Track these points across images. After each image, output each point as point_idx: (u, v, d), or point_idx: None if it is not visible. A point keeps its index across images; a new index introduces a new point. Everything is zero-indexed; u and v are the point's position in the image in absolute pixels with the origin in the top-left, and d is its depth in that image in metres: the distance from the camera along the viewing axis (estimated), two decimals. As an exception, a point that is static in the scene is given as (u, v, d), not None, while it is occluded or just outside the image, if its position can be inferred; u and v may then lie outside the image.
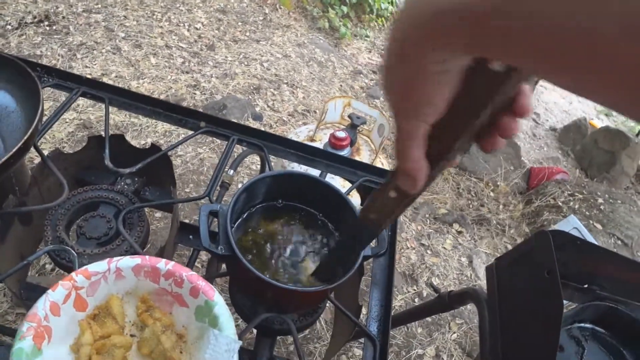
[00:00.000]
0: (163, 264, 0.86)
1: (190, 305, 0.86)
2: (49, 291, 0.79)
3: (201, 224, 0.93)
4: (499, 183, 3.75)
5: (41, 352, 0.74)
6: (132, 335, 0.86)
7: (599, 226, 3.37)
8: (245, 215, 1.07)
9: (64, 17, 3.57)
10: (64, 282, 0.81)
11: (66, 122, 2.78)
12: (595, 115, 6.54)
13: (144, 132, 2.91)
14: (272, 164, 1.34)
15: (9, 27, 3.27)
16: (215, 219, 0.98)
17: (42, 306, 0.77)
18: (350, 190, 1.32)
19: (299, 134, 2.06)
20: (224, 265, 1.36)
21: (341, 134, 1.78)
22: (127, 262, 0.85)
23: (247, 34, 4.44)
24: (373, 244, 1.06)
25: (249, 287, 1.01)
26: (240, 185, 1.12)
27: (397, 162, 0.48)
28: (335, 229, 1.10)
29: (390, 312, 1.08)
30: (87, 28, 3.59)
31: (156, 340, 0.83)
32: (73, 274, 0.83)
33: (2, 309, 1.94)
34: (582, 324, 1.47)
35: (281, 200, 1.10)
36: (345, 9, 5.25)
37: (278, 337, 1.16)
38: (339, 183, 1.78)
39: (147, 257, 0.87)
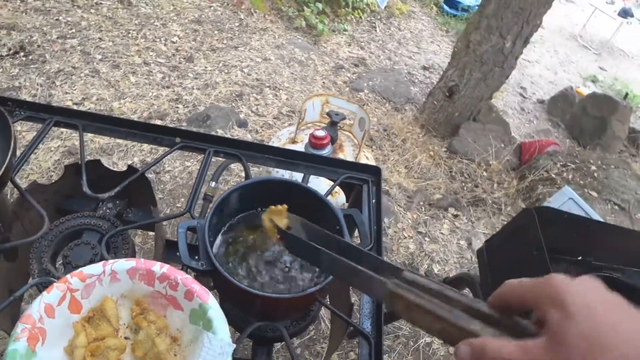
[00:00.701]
0: (158, 267, 0.86)
1: (185, 308, 0.86)
2: (44, 293, 0.80)
3: (180, 241, 0.93)
4: (490, 162, 3.76)
5: (35, 353, 0.75)
6: (126, 338, 0.86)
7: (594, 194, 3.37)
8: (226, 227, 1.07)
9: (39, 46, 3.56)
10: (59, 284, 0.81)
11: (51, 151, 2.78)
12: (582, 82, 6.55)
13: (129, 152, 2.91)
14: (259, 169, 1.33)
15: (-16, 62, 3.27)
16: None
17: (36, 308, 0.77)
18: (331, 189, 1.32)
19: (280, 137, 2.06)
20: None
21: (320, 133, 1.77)
22: (122, 265, 0.86)
23: (225, 41, 4.44)
24: (356, 240, 1.06)
25: (236, 299, 1.01)
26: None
27: (491, 355, 0.47)
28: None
29: (382, 308, 1.08)
30: (64, 54, 3.58)
31: (150, 342, 0.83)
32: (68, 276, 0.83)
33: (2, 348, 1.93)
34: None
35: (260, 208, 1.09)
36: (320, 5, 5.25)
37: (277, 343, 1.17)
38: (325, 182, 1.78)
39: (142, 260, 0.87)
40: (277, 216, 0.83)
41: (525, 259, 1.21)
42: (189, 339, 0.84)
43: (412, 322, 0.56)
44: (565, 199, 3.03)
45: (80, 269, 0.84)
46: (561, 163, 3.66)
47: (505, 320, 0.49)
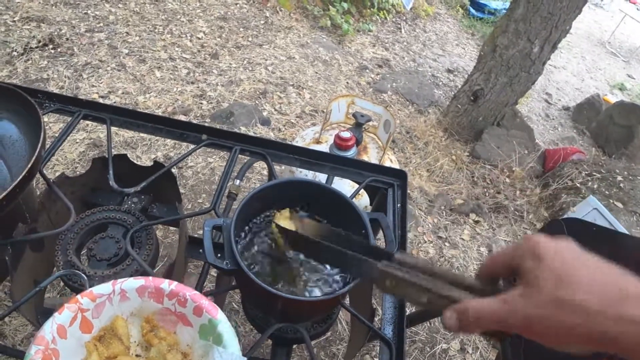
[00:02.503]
0: (167, 284, 0.86)
1: (194, 324, 0.86)
2: (56, 314, 0.80)
3: (205, 240, 0.93)
4: (514, 168, 3.70)
5: None
6: (137, 356, 0.86)
7: (619, 205, 3.30)
8: (250, 226, 1.07)
9: (67, 39, 3.61)
10: (70, 304, 0.82)
11: (77, 143, 2.81)
12: (609, 90, 6.42)
13: (153, 146, 2.93)
14: (280, 167, 1.33)
15: (14, 53, 3.32)
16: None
17: (49, 329, 0.78)
18: (356, 192, 1.31)
19: (304, 136, 2.05)
20: (236, 277, 1.36)
21: (346, 134, 1.76)
22: (131, 283, 0.86)
23: (250, 39, 4.45)
24: (379, 242, 1.05)
25: (259, 300, 1.00)
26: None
27: (465, 321, 0.53)
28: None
29: (404, 313, 1.07)
30: (91, 47, 3.63)
31: (162, 359, 0.83)
32: (78, 296, 0.84)
33: (27, 331, 1.97)
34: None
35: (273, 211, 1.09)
36: (345, 5, 5.23)
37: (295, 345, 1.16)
38: (349, 184, 1.77)
39: (150, 278, 0.87)
40: (283, 220, 0.87)
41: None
42: (199, 355, 0.84)
43: (401, 297, 0.64)
44: (590, 209, 2.97)
45: (90, 289, 0.84)
46: (586, 172, 3.59)
47: (489, 288, 0.54)
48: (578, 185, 3.46)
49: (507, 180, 3.63)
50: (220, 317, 0.83)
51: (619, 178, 3.52)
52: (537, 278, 0.48)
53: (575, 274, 0.47)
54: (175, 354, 0.84)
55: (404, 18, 6.09)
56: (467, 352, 2.37)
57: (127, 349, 0.85)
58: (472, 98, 3.98)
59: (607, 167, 3.66)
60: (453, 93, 4.44)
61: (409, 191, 3.20)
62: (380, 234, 1.14)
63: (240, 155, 1.36)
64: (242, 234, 1.04)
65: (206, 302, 0.85)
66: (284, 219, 0.85)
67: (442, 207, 3.21)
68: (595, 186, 3.45)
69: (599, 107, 5.18)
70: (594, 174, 3.55)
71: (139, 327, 0.88)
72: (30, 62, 3.32)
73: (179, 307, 0.86)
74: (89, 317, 0.83)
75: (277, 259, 1.00)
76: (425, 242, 2.88)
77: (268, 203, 1.08)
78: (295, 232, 0.80)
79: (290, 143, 1.40)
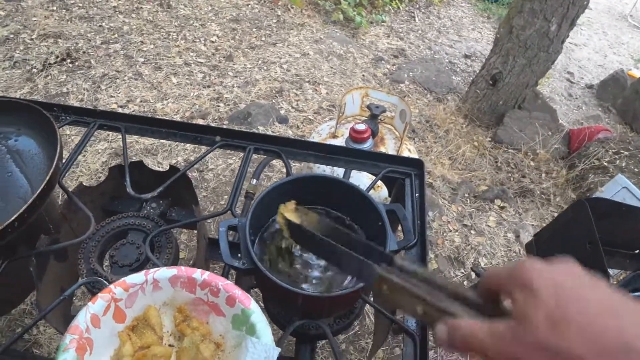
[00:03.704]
0: (199, 274, 0.86)
1: (227, 314, 0.86)
2: (89, 304, 0.81)
3: (221, 240, 0.93)
4: (538, 151, 3.63)
5: None
6: (170, 345, 0.87)
7: (650, 182, 3.20)
8: (267, 224, 1.06)
9: (84, 52, 3.67)
10: (103, 294, 0.83)
11: (99, 153, 2.86)
12: (634, 64, 6.23)
13: (173, 151, 2.96)
14: (300, 164, 1.32)
15: (34, 70, 3.39)
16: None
17: (83, 319, 0.79)
18: (373, 184, 1.30)
19: (320, 132, 2.04)
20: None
21: (361, 127, 1.75)
22: (164, 273, 0.87)
23: (263, 38, 4.45)
24: (399, 237, 1.03)
25: (278, 297, 1.00)
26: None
27: (453, 340, 0.49)
28: (361, 229, 1.07)
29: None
30: (108, 59, 3.68)
31: (195, 349, 0.84)
32: (112, 285, 0.84)
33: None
34: (638, 293, 1.38)
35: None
36: (357, -3, 5.19)
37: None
38: (366, 176, 1.76)
39: (182, 267, 0.88)
40: (289, 212, 0.85)
41: (578, 253, 1.15)
42: (232, 345, 0.84)
43: (397, 306, 0.58)
44: (619, 188, 2.89)
45: (123, 279, 0.85)
46: (613, 150, 3.49)
47: (490, 307, 0.50)
48: (605, 164, 3.37)
49: (532, 163, 3.56)
50: (253, 307, 0.83)
51: (649, 154, 3.41)
52: (528, 317, 0.43)
53: (573, 318, 0.41)
54: (208, 344, 0.85)
55: (417, 6, 6.02)
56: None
57: (160, 338, 0.86)
58: (490, 82, 3.91)
59: (635, 144, 3.55)
60: (471, 78, 4.37)
61: (431, 180, 3.18)
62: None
63: (257, 155, 1.36)
64: (260, 233, 1.04)
65: (239, 292, 0.85)
66: (289, 211, 0.83)
67: (466, 195, 3.16)
68: (624, 164, 3.36)
69: (624, 82, 5.04)
70: (622, 151, 3.45)
71: (172, 317, 0.89)
72: (49, 77, 3.38)
73: (212, 297, 0.86)
74: (122, 306, 0.84)
75: (289, 253, 1.00)
76: (450, 230, 2.85)
77: (284, 200, 1.07)
78: (296, 225, 0.78)
79: (304, 139, 1.39)
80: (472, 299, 0.52)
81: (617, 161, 3.37)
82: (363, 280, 0.64)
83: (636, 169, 3.29)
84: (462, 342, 0.48)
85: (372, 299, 1.27)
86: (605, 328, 0.40)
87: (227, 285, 0.85)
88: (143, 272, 0.86)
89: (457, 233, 2.85)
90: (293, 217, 0.81)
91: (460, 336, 0.48)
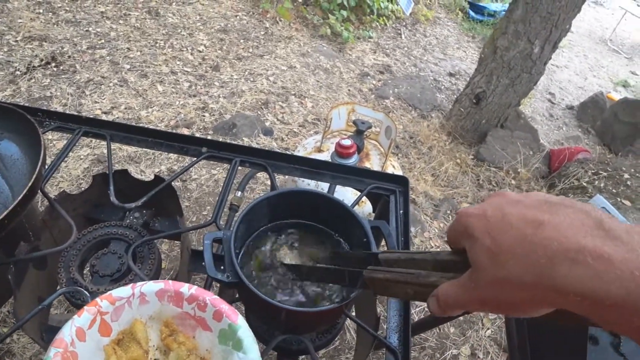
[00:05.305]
0: (186, 288, 0.86)
1: (214, 329, 0.85)
2: (75, 317, 0.80)
3: (205, 253, 0.93)
4: (519, 170, 3.68)
5: None
6: None
7: (627, 203, 3.27)
8: (252, 237, 1.06)
9: (69, 57, 3.64)
10: (89, 307, 0.81)
11: (81, 159, 2.83)
12: (613, 88, 6.39)
13: (157, 160, 2.94)
14: (284, 177, 1.32)
15: (18, 72, 3.35)
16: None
17: (68, 332, 0.78)
18: (358, 199, 1.30)
19: (306, 146, 2.05)
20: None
21: (347, 142, 1.76)
22: (151, 287, 0.86)
23: (250, 50, 4.47)
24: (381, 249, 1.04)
25: (261, 312, 0.99)
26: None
27: (443, 306, 0.51)
28: (345, 242, 1.08)
29: (409, 321, 1.06)
30: (93, 64, 3.66)
31: None
32: (98, 299, 0.83)
33: (36, 349, 1.97)
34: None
35: (286, 220, 1.08)
36: (345, 13, 5.24)
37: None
38: (351, 192, 1.77)
39: (170, 281, 0.87)
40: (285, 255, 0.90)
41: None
42: None
43: (390, 295, 0.65)
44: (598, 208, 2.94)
45: (109, 292, 0.84)
46: (592, 171, 3.57)
47: (462, 264, 0.52)
48: (585, 184, 3.44)
49: (513, 182, 3.61)
50: (240, 322, 0.83)
51: (626, 176, 3.49)
52: (475, 261, 0.45)
53: (506, 249, 0.42)
54: (194, 358, 0.84)
55: (404, 24, 6.10)
56: (478, 357, 2.35)
57: (146, 353, 0.85)
58: (474, 101, 3.97)
59: (613, 165, 3.64)
60: (455, 96, 4.44)
61: (414, 196, 3.20)
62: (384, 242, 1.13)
63: (242, 167, 1.36)
64: (245, 246, 1.04)
65: (226, 307, 0.84)
66: (286, 255, 0.87)
67: (448, 212, 3.19)
68: (602, 185, 3.43)
69: (603, 105, 5.16)
70: (601, 172, 3.53)
71: (158, 331, 0.88)
72: (33, 80, 3.34)
73: (199, 312, 0.85)
74: (108, 320, 0.83)
75: (274, 268, 1.00)
76: (432, 247, 2.87)
77: (269, 214, 1.07)
78: (292, 265, 0.84)
79: (290, 153, 1.39)
80: (449, 259, 0.54)
81: (596, 182, 3.44)
82: (354, 287, 0.68)
83: (614, 190, 3.36)
84: (445, 306, 0.50)
85: (354, 314, 1.27)
86: (531, 243, 0.40)
87: (214, 299, 0.85)
88: (130, 285, 0.85)
89: (438, 250, 2.86)
90: (292, 259, 0.84)
91: (443, 301, 0.50)
